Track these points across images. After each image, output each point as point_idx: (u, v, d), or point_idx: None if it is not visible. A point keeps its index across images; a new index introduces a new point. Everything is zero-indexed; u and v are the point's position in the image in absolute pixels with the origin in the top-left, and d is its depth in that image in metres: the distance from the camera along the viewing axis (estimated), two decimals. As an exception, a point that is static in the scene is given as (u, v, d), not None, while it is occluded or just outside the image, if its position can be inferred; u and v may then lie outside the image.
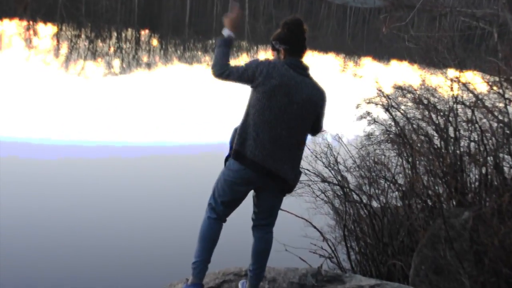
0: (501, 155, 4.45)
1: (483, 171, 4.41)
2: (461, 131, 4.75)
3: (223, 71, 2.31)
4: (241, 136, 2.30)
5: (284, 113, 2.27)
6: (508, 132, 4.49)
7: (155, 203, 5.82)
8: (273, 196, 2.42)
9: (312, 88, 2.33)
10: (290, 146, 2.33)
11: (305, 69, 2.34)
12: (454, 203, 4.30)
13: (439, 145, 4.72)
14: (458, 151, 4.57)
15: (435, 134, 4.85)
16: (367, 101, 5.14)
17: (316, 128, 2.46)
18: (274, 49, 2.39)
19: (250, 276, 2.52)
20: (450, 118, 4.78)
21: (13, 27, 17.07)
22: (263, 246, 2.48)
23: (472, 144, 4.72)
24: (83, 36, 18.30)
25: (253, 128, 2.27)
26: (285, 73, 2.26)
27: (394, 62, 17.46)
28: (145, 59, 15.24)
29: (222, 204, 2.41)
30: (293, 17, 2.35)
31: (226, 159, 2.41)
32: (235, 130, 2.39)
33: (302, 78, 2.31)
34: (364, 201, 4.56)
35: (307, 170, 4.43)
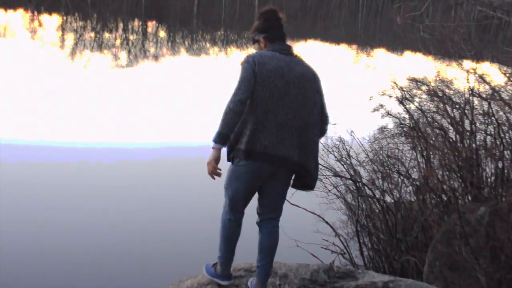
0: (518, 149, 4.34)
1: (500, 165, 4.32)
2: (477, 124, 4.65)
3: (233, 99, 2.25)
4: (247, 135, 2.27)
5: (285, 96, 2.28)
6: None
7: (164, 199, 5.78)
8: (282, 185, 2.42)
9: (302, 65, 2.38)
10: (299, 130, 2.33)
11: (289, 48, 2.39)
12: (470, 198, 4.22)
13: (454, 139, 4.62)
14: (474, 145, 4.46)
15: (450, 127, 4.74)
16: (381, 93, 5.03)
17: (323, 115, 2.44)
18: (254, 41, 2.46)
19: (259, 272, 2.51)
20: (466, 111, 4.66)
21: (17, 18, 17.07)
22: (272, 241, 2.48)
23: (489, 137, 4.61)
24: (89, 27, 18.27)
25: (258, 122, 2.26)
26: (273, 56, 2.31)
27: (408, 53, 17.21)
28: (152, 50, 15.19)
29: (239, 202, 2.42)
30: (267, 7, 2.43)
31: (231, 158, 2.37)
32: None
33: (290, 57, 2.36)
34: (377, 196, 4.49)
35: (319, 164, 4.35)
